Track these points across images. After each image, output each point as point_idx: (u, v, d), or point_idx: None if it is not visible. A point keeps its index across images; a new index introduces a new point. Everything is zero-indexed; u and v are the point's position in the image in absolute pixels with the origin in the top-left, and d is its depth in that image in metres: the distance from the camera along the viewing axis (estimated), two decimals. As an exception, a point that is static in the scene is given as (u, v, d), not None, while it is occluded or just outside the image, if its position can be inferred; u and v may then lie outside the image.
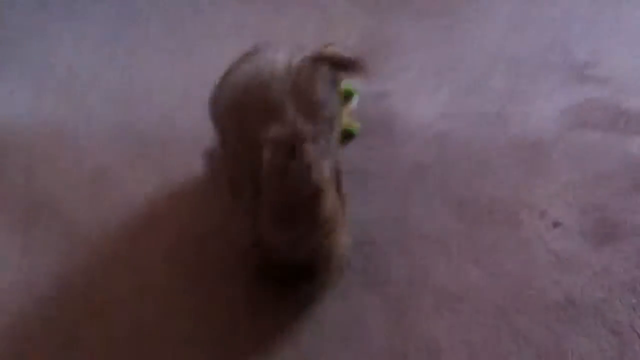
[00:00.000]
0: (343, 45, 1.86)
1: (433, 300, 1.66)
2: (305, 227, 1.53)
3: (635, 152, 1.92)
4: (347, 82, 2.00)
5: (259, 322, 1.64)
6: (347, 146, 2.01)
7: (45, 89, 2.30)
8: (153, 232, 1.85)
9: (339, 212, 1.59)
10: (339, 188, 1.64)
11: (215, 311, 1.67)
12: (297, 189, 1.50)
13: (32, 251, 1.85)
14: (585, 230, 1.76)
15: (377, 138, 2.06)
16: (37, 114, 2.22)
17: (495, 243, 1.76)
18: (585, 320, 1.60)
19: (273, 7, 2.52)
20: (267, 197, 1.52)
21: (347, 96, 2.08)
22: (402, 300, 1.67)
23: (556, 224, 1.79)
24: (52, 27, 2.53)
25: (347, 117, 2.01)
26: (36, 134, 2.15)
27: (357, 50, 1.97)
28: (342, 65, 1.71)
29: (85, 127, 2.16)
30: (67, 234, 1.88)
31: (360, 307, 1.66)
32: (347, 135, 2.02)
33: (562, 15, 2.37)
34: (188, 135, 2.06)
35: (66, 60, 2.39)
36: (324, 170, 1.52)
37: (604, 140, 1.97)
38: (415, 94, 2.18)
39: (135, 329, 1.65)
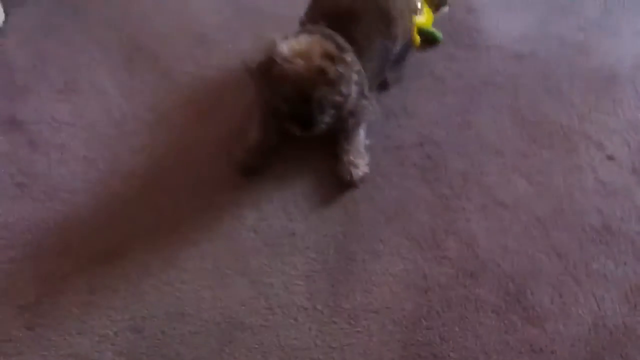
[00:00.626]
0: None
1: (480, 203, 1.81)
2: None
3: None
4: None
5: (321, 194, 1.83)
6: (428, 51, 2.13)
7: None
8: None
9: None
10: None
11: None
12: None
13: (130, 88, 2.07)
14: (637, 168, 1.86)
15: (459, 49, 2.16)
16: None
17: (549, 163, 1.88)
18: (617, 246, 1.73)
19: None
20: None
21: (440, 3, 2.17)
22: (451, 198, 1.82)
23: (610, 157, 1.89)
24: None
25: (435, 24, 2.12)
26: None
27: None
28: None
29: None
30: (163, 79, 2.09)
31: (411, 196, 1.81)
32: (432, 41, 2.14)
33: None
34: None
35: None
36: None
37: (676, 88, 2.03)
38: (504, 11, 2.25)
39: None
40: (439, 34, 2.15)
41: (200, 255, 1.69)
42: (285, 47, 1.66)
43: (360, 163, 1.81)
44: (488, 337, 1.59)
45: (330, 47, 1.67)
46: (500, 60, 2.12)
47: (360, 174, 1.81)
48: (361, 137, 1.85)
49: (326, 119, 1.71)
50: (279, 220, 1.75)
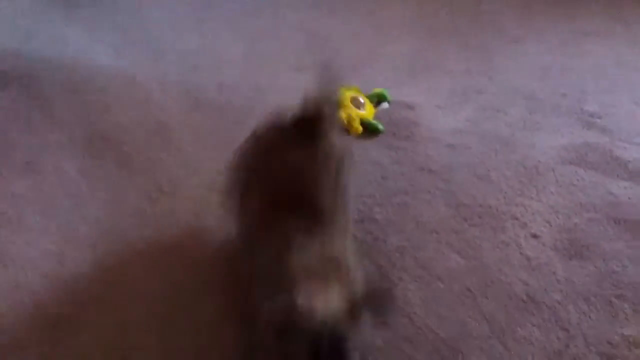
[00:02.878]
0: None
1: (416, 274, 1.94)
2: None
3: (616, 192, 2.20)
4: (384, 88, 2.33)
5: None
6: (369, 140, 2.33)
7: (128, 41, 2.66)
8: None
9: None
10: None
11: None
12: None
13: (87, 173, 2.19)
14: (557, 246, 2.03)
15: (397, 139, 2.36)
16: (117, 63, 2.57)
17: (479, 240, 2.04)
18: (541, 315, 1.86)
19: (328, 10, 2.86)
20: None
21: (380, 99, 2.40)
22: (389, 269, 1.95)
23: (534, 236, 2.06)
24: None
25: (376, 117, 2.34)
26: (114, 79, 2.51)
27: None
28: None
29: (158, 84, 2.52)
30: (120, 166, 2.22)
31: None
32: (373, 131, 2.34)
33: (586, 69, 2.67)
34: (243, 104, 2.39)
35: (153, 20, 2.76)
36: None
37: (592, 178, 2.25)
38: (440, 109, 2.49)
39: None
40: (380, 125, 2.35)
41: None
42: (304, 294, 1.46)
43: None
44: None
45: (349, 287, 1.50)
46: (435, 150, 2.32)
47: None
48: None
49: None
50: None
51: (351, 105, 2.33)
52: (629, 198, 2.19)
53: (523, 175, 2.26)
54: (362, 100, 2.34)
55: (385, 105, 2.41)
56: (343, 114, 2.31)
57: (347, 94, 2.35)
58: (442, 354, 1.77)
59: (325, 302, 1.45)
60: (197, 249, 1.98)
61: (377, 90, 2.45)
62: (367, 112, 2.33)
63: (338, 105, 1.83)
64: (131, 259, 1.94)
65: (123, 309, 1.81)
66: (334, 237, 1.62)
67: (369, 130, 2.33)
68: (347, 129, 2.33)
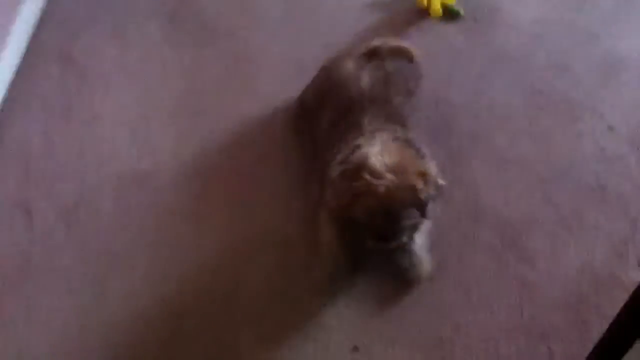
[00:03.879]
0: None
1: (486, 159, 1.96)
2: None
3: None
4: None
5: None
6: (449, 24, 2.30)
7: None
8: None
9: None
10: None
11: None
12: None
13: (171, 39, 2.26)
14: (633, 139, 2.00)
15: (478, 25, 2.32)
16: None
17: (553, 128, 2.03)
18: (610, 204, 1.87)
19: None
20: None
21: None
22: (459, 153, 1.97)
23: (611, 128, 2.03)
24: None
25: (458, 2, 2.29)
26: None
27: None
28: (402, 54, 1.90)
29: None
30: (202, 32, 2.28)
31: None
32: (454, 15, 2.30)
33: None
34: None
35: None
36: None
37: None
38: (525, -4, 2.42)
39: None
40: (461, 9, 2.31)
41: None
42: (377, 161, 1.53)
43: (425, 259, 1.72)
44: (483, 272, 1.74)
45: (423, 165, 1.57)
46: (516, 38, 2.28)
47: (428, 269, 1.72)
48: (424, 231, 1.69)
49: (405, 236, 1.59)
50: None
51: (433, -12, 2.29)
52: None
53: (605, 69, 2.20)
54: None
55: (468, -12, 2.35)
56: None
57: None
58: (505, 233, 1.81)
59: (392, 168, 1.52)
60: (276, 121, 2.04)
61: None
62: (448, -4, 2.29)
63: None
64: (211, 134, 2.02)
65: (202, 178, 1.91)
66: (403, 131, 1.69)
67: (450, 13, 2.29)
68: (427, 11, 2.30)
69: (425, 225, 1.65)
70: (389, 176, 1.50)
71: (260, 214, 1.83)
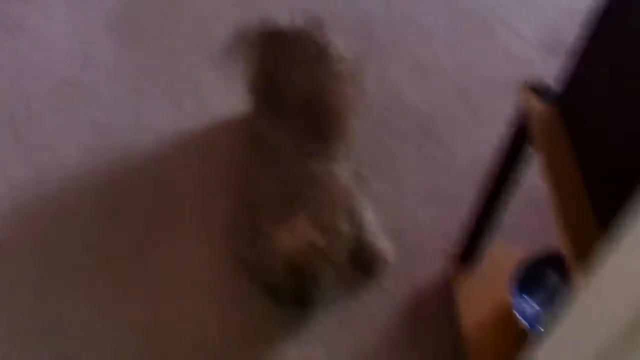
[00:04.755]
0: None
1: (406, 64, 2.13)
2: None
3: None
4: None
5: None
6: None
7: None
8: None
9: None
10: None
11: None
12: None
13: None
14: (539, 47, 2.20)
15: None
16: None
17: (470, 41, 2.21)
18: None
19: None
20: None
21: None
22: (380, 57, 2.14)
23: (521, 37, 2.22)
24: None
25: None
26: None
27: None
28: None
29: None
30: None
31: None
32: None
33: None
34: None
35: None
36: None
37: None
38: None
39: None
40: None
41: None
42: (269, 225, 1.53)
43: (384, 245, 1.67)
44: (399, 152, 1.90)
45: (323, 216, 1.52)
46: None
47: (391, 254, 1.67)
48: (370, 218, 1.66)
49: (322, 291, 1.57)
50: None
51: None
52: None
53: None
54: None
55: None
56: None
57: None
58: (422, 124, 1.99)
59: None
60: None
61: None
62: None
63: None
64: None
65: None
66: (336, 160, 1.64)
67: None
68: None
69: (370, 214, 1.66)
70: (288, 237, 1.49)
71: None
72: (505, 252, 1.63)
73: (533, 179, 1.48)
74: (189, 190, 1.83)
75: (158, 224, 1.76)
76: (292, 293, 1.54)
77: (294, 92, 1.68)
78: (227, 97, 1.97)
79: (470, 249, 1.59)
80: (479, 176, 1.80)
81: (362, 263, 1.63)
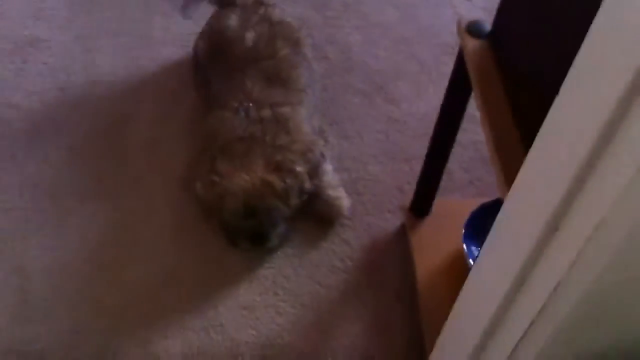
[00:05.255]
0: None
1: (356, 24, 2.18)
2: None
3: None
4: None
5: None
6: None
7: None
8: None
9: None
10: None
11: None
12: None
13: None
14: (486, 7, 2.27)
15: None
16: None
17: (416, 2, 2.28)
18: (464, 59, 2.13)
19: None
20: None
21: None
22: (333, 18, 2.18)
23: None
24: None
25: None
26: None
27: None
28: None
29: None
30: None
31: (301, 16, 2.17)
32: None
33: None
34: None
35: None
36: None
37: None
38: None
39: None
40: None
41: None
42: (224, 164, 1.58)
43: (341, 194, 1.73)
44: (355, 111, 1.96)
45: (277, 157, 1.58)
46: None
47: (347, 204, 1.73)
48: (329, 170, 1.73)
49: (279, 230, 1.62)
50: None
51: None
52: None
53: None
54: None
55: None
56: None
57: None
58: (374, 81, 2.04)
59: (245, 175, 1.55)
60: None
61: None
62: None
63: None
64: None
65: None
66: (290, 99, 1.71)
67: None
68: None
69: (328, 166, 1.73)
70: (241, 176, 1.54)
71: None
72: (457, 204, 1.71)
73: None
74: (140, 134, 1.86)
75: (113, 166, 1.79)
76: (247, 232, 1.58)
77: (245, 48, 1.76)
78: (175, 44, 2.02)
79: (422, 200, 1.67)
80: (429, 136, 1.88)
81: (320, 212, 1.70)
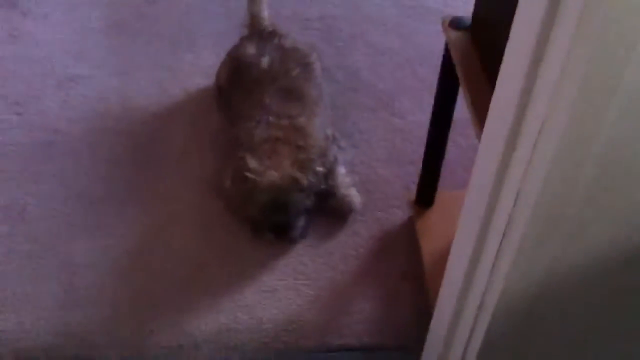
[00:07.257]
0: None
1: (364, 51, 2.41)
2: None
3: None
4: None
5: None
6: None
7: None
8: None
9: None
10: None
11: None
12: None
13: None
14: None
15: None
16: None
17: (418, 29, 2.50)
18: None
19: None
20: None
21: None
22: (344, 48, 2.41)
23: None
24: None
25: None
26: None
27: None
28: None
29: None
30: None
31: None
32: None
33: None
34: None
35: None
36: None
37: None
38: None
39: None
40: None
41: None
42: (254, 162, 1.77)
43: (353, 193, 1.92)
44: (364, 124, 2.17)
45: (300, 156, 1.78)
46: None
47: (358, 200, 1.92)
48: (342, 172, 1.94)
49: (300, 223, 1.80)
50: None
51: None
52: None
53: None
54: None
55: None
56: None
57: None
58: (380, 99, 2.25)
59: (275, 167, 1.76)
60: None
61: None
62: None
63: None
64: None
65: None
66: (305, 111, 1.91)
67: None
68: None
69: (342, 168, 1.93)
70: (270, 172, 1.74)
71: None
72: (458, 196, 1.88)
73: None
74: (172, 149, 2.09)
75: (149, 177, 2.02)
76: (273, 224, 1.78)
77: (261, 70, 1.99)
78: (202, 75, 2.27)
79: (426, 191, 1.85)
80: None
81: (334, 208, 1.88)
